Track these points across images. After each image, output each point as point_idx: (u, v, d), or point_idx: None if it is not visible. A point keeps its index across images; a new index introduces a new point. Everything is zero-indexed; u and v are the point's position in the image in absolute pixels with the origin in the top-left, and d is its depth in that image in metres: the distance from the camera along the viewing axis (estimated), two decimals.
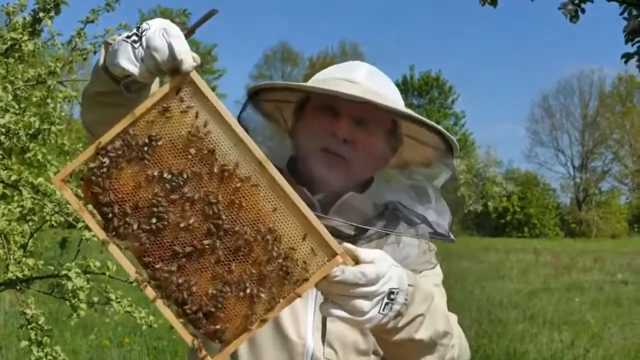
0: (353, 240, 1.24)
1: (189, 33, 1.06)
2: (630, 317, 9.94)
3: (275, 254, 1.02)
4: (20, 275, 2.96)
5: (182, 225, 1.00)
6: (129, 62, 1.01)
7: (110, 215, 1.01)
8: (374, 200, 1.36)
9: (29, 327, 2.88)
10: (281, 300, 1.03)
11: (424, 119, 1.30)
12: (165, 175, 1.00)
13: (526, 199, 44.98)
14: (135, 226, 1.00)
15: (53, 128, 3.16)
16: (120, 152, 1.01)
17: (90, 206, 1.03)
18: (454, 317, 1.32)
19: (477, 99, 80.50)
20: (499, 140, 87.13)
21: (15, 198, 3.13)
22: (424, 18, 79.53)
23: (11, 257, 3.08)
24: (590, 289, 13.53)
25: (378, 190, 1.39)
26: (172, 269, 1.01)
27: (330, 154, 1.30)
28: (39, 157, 3.36)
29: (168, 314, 1.02)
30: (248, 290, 1.01)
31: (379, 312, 1.03)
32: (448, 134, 1.31)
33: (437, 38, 78.41)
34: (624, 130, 48.88)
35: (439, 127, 1.30)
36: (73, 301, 2.81)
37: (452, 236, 1.33)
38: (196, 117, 1.02)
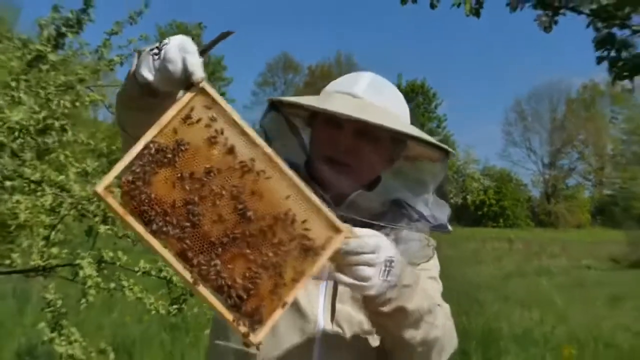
0: None
1: (203, 52, 1.06)
2: (592, 298, 9.88)
3: (295, 234, 1.06)
4: (42, 263, 2.90)
5: (214, 218, 1.02)
6: (147, 70, 1.04)
7: (152, 216, 1.00)
8: (381, 198, 1.34)
9: (47, 310, 2.82)
10: (304, 277, 1.05)
11: (418, 134, 1.26)
12: (195, 175, 1.01)
13: (501, 192, 44.85)
14: (175, 224, 1.00)
15: (56, 123, 3.09)
16: (153, 158, 1.01)
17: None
18: (447, 308, 1.32)
19: (458, 104, 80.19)
20: (477, 141, 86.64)
21: (38, 194, 3.07)
22: (413, 29, 79.35)
23: (35, 247, 3.02)
24: (558, 273, 13.49)
25: (385, 188, 1.37)
26: (211, 258, 1.02)
27: (335, 164, 1.28)
28: (61, 158, 3.31)
29: (212, 299, 1.02)
30: (277, 269, 1.04)
31: (380, 278, 1.07)
32: (444, 145, 1.29)
33: (423, 49, 78.13)
34: (588, 132, 48.75)
35: (434, 140, 1.28)
36: (83, 287, 2.74)
37: (449, 227, 1.36)
38: (215, 121, 1.05)
